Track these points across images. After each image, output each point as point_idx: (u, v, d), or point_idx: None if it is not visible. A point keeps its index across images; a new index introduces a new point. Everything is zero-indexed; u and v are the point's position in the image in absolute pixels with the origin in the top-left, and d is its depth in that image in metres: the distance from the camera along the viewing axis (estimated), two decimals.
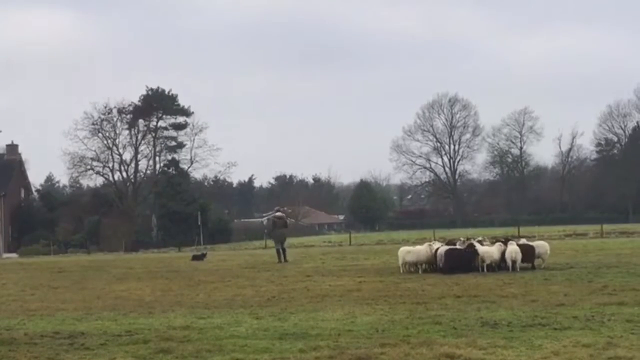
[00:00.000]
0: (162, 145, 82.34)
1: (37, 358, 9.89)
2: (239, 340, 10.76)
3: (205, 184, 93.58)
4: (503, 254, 21.31)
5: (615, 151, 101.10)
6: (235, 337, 11.07)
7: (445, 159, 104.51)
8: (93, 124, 77.50)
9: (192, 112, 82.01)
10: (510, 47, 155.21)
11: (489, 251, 21.37)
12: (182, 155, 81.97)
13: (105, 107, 77.83)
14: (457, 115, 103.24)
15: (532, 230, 51.17)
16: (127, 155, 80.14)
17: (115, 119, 78.95)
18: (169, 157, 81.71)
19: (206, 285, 20.16)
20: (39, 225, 69.85)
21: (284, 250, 29.00)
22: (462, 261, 21.05)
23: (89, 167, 78.48)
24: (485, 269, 20.86)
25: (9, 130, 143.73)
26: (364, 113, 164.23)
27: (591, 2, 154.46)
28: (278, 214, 31.39)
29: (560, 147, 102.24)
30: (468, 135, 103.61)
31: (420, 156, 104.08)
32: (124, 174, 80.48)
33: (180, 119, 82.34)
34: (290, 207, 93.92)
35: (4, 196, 70.13)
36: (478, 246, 21.61)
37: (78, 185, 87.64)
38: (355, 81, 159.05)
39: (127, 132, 79.88)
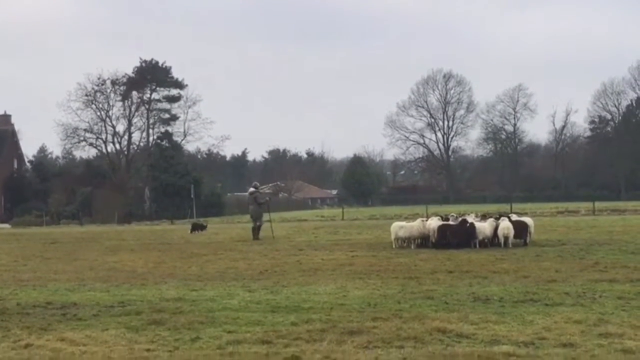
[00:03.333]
0: (156, 117, 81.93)
1: (29, 328, 9.88)
2: (231, 312, 10.77)
3: (199, 156, 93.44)
4: (495, 229, 21.39)
5: (609, 129, 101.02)
6: (227, 309, 11.08)
7: (439, 134, 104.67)
8: (86, 95, 77.26)
9: (186, 85, 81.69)
10: (505, 24, 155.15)
11: (481, 227, 21.43)
12: (176, 128, 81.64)
13: (99, 79, 77.60)
14: (452, 91, 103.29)
15: (524, 207, 51.23)
16: (120, 127, 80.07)
17: (108, 91, 78.69)
18: (162, 130, 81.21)
19: (199, 257, 20.18)
20: (31, 196, 69.73)
21: (258, 227, 27.41)
22: (457, 237, 21.11)
23: (82, 138, 78.28)
24: (477, 245, 20.94)
25: (2, 100, 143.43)
26: (359, 88, 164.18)
27: None
28: (250, 189, 29.13)
29: (554, 124, 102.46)
30: (462, 112, 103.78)
31: (414, 132, 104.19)
32: (117, 146, 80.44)
33: (174, 92, 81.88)
34: (283, 181, 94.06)
35: None
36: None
37: (71, 156, 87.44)
38: (350, 56, 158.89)
39: (120, 104, 79.68)
